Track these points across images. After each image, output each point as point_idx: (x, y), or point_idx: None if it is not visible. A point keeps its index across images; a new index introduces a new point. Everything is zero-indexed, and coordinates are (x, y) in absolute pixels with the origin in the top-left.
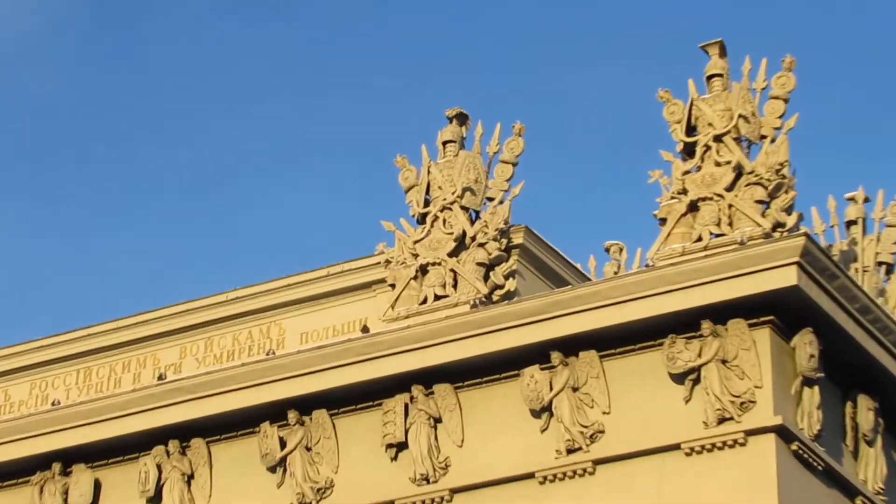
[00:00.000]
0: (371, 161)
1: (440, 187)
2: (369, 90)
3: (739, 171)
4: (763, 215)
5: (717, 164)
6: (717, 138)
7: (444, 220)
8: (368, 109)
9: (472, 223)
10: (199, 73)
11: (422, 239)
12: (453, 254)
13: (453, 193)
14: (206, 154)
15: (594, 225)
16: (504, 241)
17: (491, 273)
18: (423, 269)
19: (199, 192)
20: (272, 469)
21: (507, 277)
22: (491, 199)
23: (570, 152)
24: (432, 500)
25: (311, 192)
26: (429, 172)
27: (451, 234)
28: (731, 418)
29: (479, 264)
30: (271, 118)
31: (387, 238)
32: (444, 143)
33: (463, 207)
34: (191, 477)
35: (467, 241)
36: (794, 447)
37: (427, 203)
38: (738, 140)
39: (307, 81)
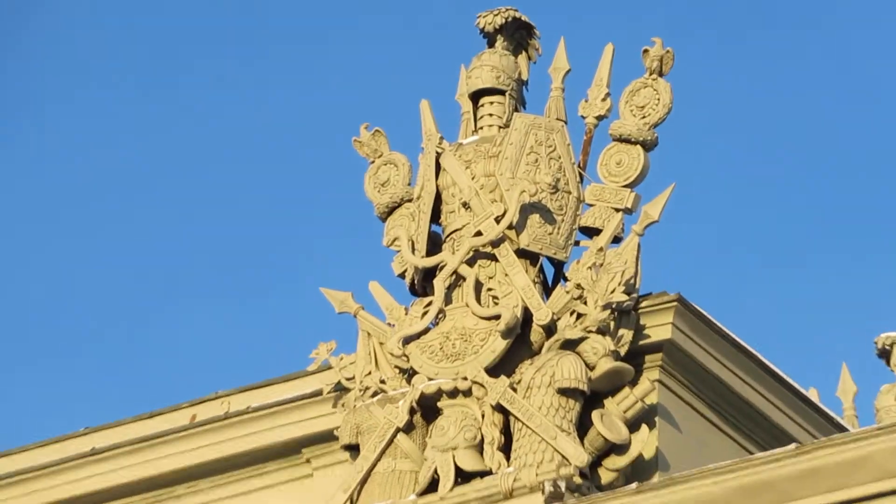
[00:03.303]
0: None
1: (466, 205)
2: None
3: None
4: None
5: None
6: None
7: (479, 285)
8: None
9: (549, 291)
10: None
11: (420, 334)
12: (500, 369)
13: (500, 219)
14: None
15: (834, 296)
16: (627, 333)
17: (596, 415)
18: (428, 408)
19: None
20: None
21: (633, 426)
22: (593, 232)
23: (739, 142)
24: None
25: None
26: (438, 168)
27: (495, 318)
28: None
29: (562, 392)
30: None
31: (338, 333)
32: (478, 97)
33: (523, 252)
34: None
35: (534, 335)
36: None
37: (435, 245)
38: None
39: None
